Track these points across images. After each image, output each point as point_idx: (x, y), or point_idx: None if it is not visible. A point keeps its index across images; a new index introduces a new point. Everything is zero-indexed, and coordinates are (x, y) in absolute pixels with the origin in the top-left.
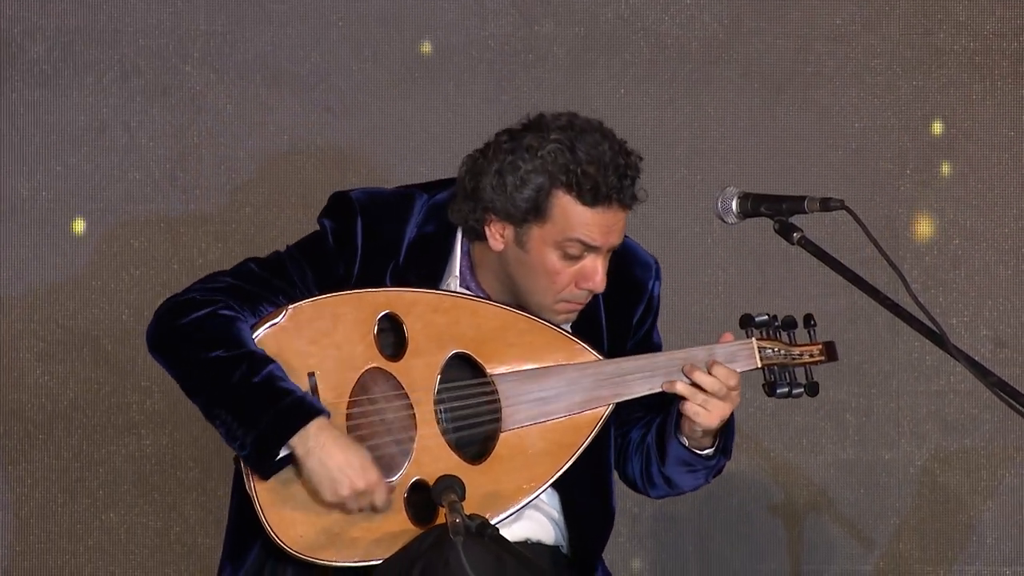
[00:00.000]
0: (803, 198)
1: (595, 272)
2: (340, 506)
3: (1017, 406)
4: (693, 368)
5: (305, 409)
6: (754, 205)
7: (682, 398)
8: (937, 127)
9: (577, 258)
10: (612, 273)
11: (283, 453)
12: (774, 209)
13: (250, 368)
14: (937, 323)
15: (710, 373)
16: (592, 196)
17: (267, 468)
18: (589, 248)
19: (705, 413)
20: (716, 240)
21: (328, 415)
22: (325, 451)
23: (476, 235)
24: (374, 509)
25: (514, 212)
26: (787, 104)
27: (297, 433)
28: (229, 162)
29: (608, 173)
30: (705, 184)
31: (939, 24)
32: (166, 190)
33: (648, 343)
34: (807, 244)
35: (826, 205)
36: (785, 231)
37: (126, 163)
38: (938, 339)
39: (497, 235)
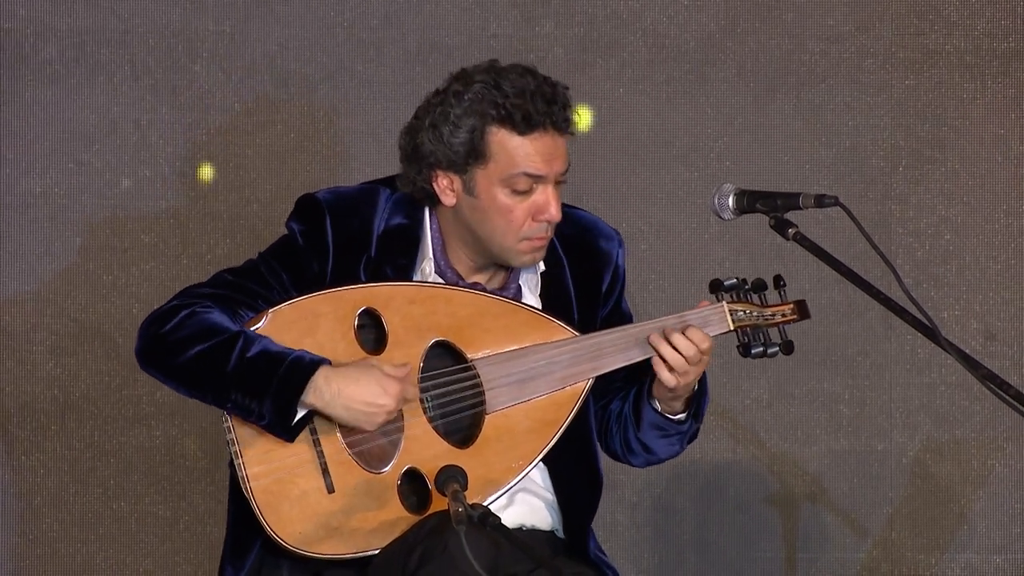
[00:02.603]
0: (798, 195)
1: (548, 203)
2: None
3: (1007, 397)
4: (671, 331)
5: (306, 364)
6: (750, 201)
7: (656, 364)
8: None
9: (526, 193)
10: (578, 246)
11: (301, 413)
12: (769, 205)
13: (244, 345)
14: (929, 317)
15: (685, 336)
16: (525, 124)
17: (290, 430)
18: (535, 179)
19: (679, 376)
20: (713, 236)
21: (329, 362)
22: (343, 395)
23: (427, 196)
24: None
25: (455, 159)
26: (782, 103)
27: (307, 389)
28: (237, 159)
29: (536, 100)
30: (702, 181)
31: (931, 24)
32: (176, 187)
33: (619, 312)
34: (802, 239)
35: (820, 201)
36: (780, 227)
37: (136, 160)
38: (930, 332)
39: (447, 190)
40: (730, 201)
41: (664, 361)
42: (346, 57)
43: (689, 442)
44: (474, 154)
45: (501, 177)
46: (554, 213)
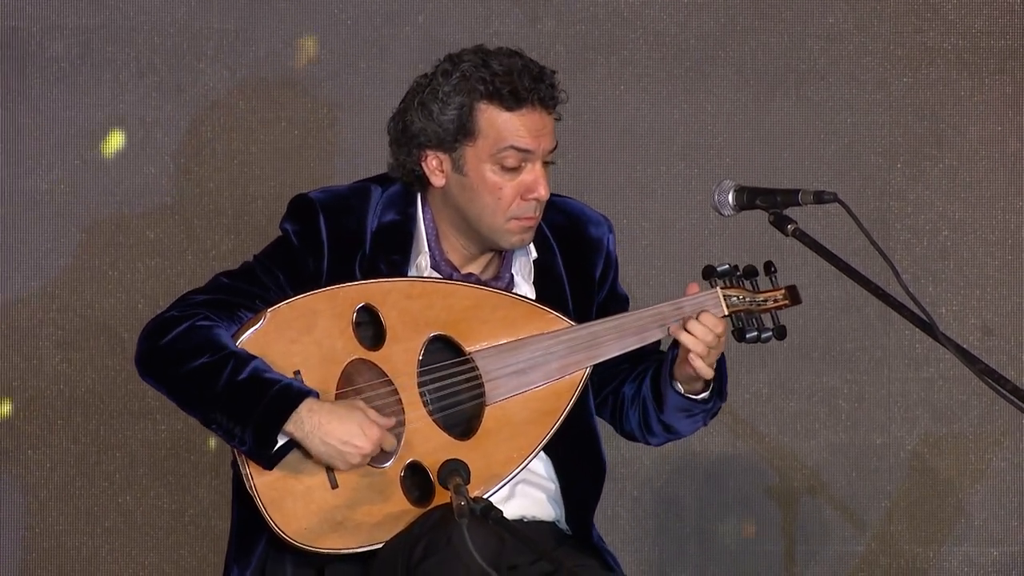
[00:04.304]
0: (797, 191)
1: (536, 181)
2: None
3: (1004, 392)
4: (687, 321)
5: (292, 394)
6: (750, 198)
7: (693, 359)
8: None
9: (515, 170)
10: (568, 235)
11: (282, 441)
12: (769, 202)
13: (235, 368)
14: (927, 312)
15: (700, 323)
16: (513, 99)
17: (269, 458)
18: (524, 154)
19: (701, 362)
20: (713, 232)
21: (316, 395)
22: (322, 430)
23: (416, 179)
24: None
25: (444, 136)
26: (781, 100)
27: (289, 419)
28: (241, 156)
29: (523, 77)
30: (702, 178)
31: (929, 23)
32: (181, 184)
33: (614, 295)
34: (801, 235)
35: (819, 198)
36: (780, 223)
37: (142, 157)
38: (928, 328)
39: (436, 170)
40: (730, 197)
41: (692, 349)
42: (350, 54)
43: (711, 418)
44: (463, 131)
45: (490, 153)
46: (542, 192)
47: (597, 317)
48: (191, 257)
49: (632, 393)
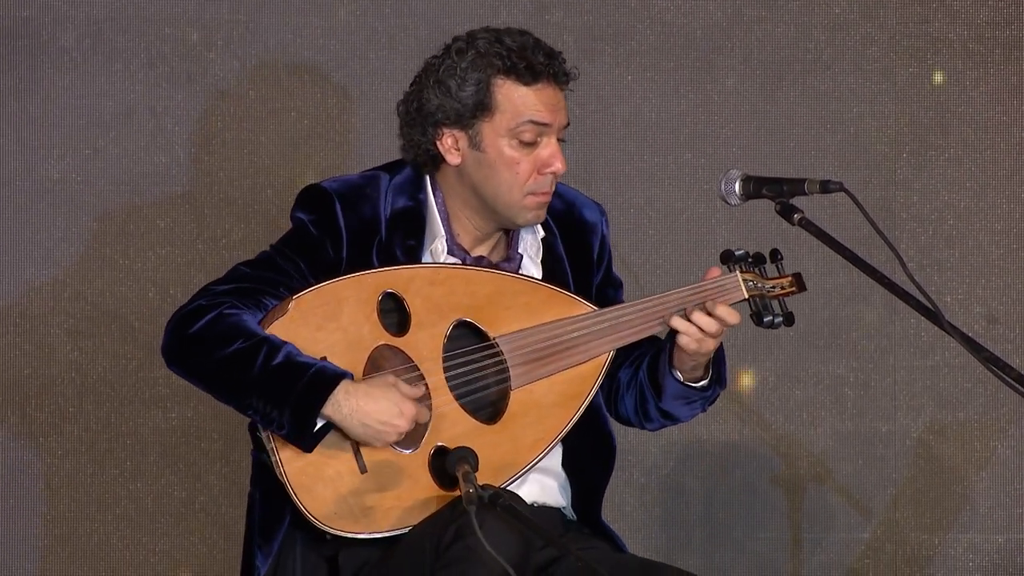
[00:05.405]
0: (803, 180)
1: (553, 156)
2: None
3: (1009, 380)
4: (694, 310)
5: (328, 376)
6: (756, 187)
7: (683, 341)
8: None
9: (532, 145)
10: (565, 218)
11: (320, 424)
12: (775, 191)
13: (269, 353)
14: (932, 300)
15: (711, 314)
16: (529, 74)
17: (308, 440)
18: (541, 128)
19: (697, 348)
20: (719, 221)
21: (351, 376)
22: (360, 412)
23: (430, 159)
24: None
25: (462, 112)
26: (788, 90)
27: (327, 402)
28: (251, 146)
29: (537, 53)
30: (709, 167)
31: (934, 13)
32: (191, 173)
33: (609, 278)
34: (807, 224)
35: (825, 187)
36: (786, 212)
37: (152, 147)
38: (933, 316)
39: (452, 149)
40: (737, 187)
41: (690, 337)
42: (358, 45)
43: (710, 404)
44: (481, 107)
45: (508, 127)
46: (559, 166)
47: (596, 299)
48: (202, 246)
49: (628, 378)
